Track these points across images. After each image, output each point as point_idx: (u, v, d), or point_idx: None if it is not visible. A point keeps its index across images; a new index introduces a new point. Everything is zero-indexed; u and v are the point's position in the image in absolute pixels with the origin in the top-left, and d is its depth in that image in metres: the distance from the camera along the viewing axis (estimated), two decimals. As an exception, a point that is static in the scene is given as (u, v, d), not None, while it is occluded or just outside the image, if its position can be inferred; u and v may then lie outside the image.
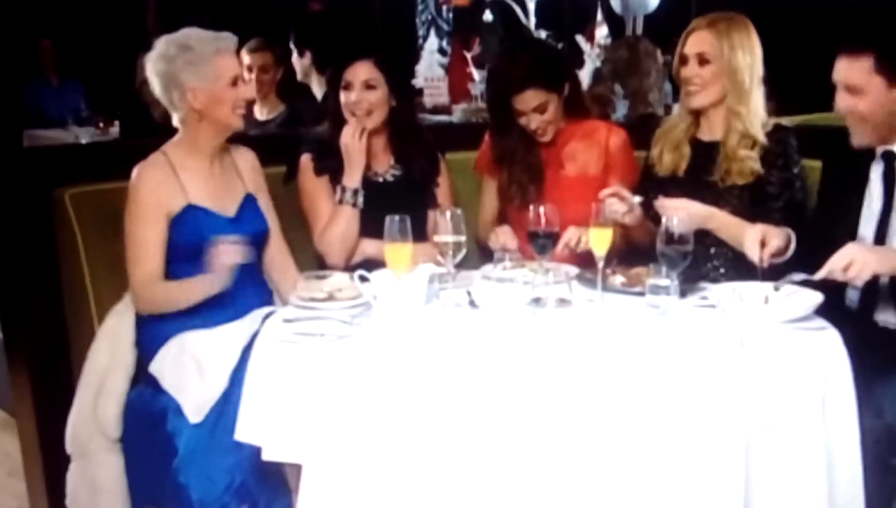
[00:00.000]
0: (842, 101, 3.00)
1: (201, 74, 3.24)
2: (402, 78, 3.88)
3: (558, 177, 3.82)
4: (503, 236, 3.57)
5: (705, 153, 3.53)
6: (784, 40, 3.62)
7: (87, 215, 3.47)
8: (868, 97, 2.94)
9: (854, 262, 2.71)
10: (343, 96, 3.67)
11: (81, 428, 3.25)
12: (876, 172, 3.09)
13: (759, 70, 3.46)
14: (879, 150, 3.07)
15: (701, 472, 2.26)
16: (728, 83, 3.43)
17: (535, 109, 3.68)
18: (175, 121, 3.34)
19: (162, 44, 3.29)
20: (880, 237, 3.05)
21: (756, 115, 3.44)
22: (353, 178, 3.57)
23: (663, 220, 2.86)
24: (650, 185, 3.58)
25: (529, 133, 3.76)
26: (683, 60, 3.52)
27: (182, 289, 3.22)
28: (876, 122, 2.98)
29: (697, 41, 3.48)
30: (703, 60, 3.45)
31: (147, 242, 3.20)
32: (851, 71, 2.95)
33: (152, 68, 3.29)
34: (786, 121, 3.55)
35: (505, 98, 3.71)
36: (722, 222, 3.37)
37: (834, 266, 2.74)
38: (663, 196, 3.39)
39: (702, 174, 3.50)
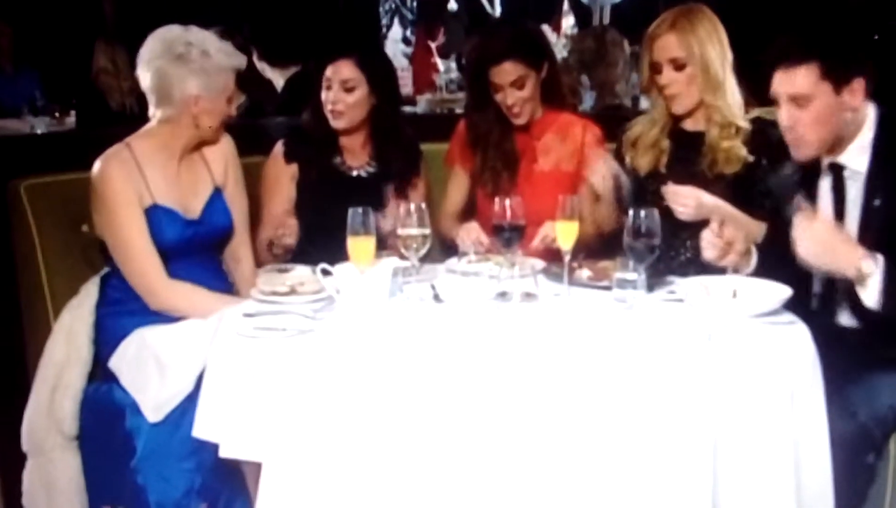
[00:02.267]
0: (786, 114, 2.94)
1: (212, 84, 3.24)
2: (385, 77, 3.83)
3: (531, 170, 3.84)
4: (475, 233, 3.56)
5: (689, 143, 3.53)
6: (749, 30, 3.63)
7: (42, 206, 3.44)
8: (815, 105, 2.89)
9: (809, 225, 2.73)
10: (323, 93, 3.68)
11: (37, 425, 3.22)
12: (825, 185, 3.07)
13: (728, 56, 3.47)
14: (826, 161, 3.04)
15: (668, 470, 2.26)
16: (702, 80, 3.44)
17: (513, 83, 3.70)
18: (156, 114, 3.28)
19: (178, 41, 3.23)
20: None
21: (733, 102, 3.46)
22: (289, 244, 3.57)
23: (630, 212, 2.87)
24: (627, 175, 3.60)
25: (505, 112, 3.78)
26: (657, 69, 3.49)
27: (208, 298, 3.21)
28: (823, 133, 2.93)
29: (666, 47, 3.46)
30: (678, 66, 3.44)
31: (140, 238, 3.18)
32: (796, 80, 2.89)
33: (158, 61, 3.21)
34: (763, 113, 3.56)
35: (483, 70, 3.72)
36: (727, 213, 3.37)
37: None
38: (642, 192, 3.42)
39: (686, 165, 3.50)
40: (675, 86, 3.47)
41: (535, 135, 3.87)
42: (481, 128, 3.87)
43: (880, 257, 2.73)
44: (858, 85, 2.90)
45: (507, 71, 3.68)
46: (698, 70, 3.42)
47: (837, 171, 3.03)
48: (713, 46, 3.42)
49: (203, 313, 3.10)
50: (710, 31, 3.44)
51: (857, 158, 2.98)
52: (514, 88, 3.71)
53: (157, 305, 3.19)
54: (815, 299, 3.10)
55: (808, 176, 3.10)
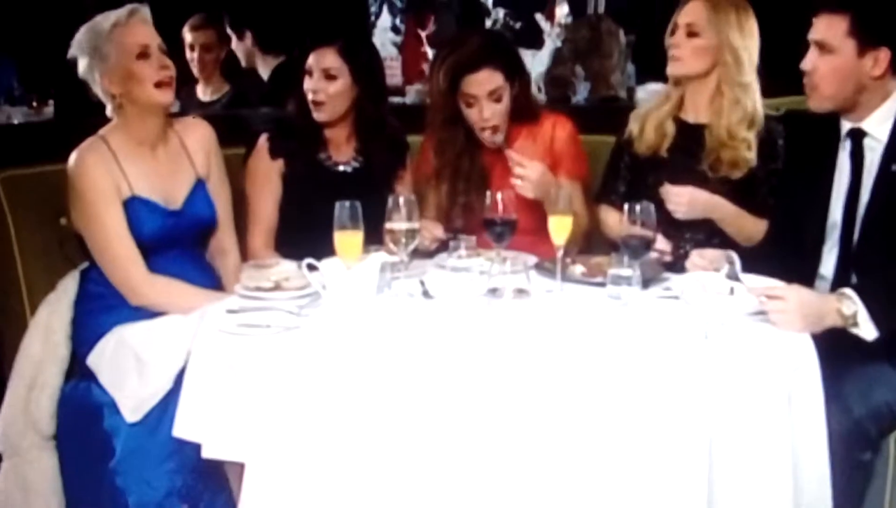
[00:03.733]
0: (808, 59, 3.07)
1: (104, 55, 3.19)
2: (369, 67, 3.75)
3: (504, 185, 3.75)
4: (433, 228, 3.53)
5: (691, 136, 3.55)
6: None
7: (19, 199, 3.44)
8: (835, 59, 3.02)
9: (783, 304, 2.73)
10: (305, 82, 3.66)
11: (13, 425, 3.20)
12: (844, 152, 3.15)
13: (755, 56, 3.49)
14: (846, 127, 3.12)
15: (663, 470, 2.26)
16: (730, 60, 3.45)
17: (490, 93, 3.61)
18: (108, 110, 3.29)
19: (81, 34, 3.25)
20: (849, 218, 3.11)
21: (753, 103, 3.47)
22: None
23: (625, 207, 2.87)
24: (627, 164, 3.63)
25: (478, 132, 3.69)
26: (673, 29, 3.53)
27: (188, 293, 3.21)
28: (836, 89, 3.04)
29: (690, 10, 3.50)
30: (691, 32, 3.47)
31: (119, 233, 3.17)
32: (827, 28, 3.02)
33: (79, 61, 3.26)
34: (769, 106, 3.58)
35: (456, 82, 3.62)
36: (727, 212, 3.40)
37: (766, 293, 2.77)
38: (642, 177, 3.43)
39: (687, 158, 3.52)
40: (678, 49, 3.51)
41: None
42: (448, 154, 3.80)
43: (850, 292, 2.81)
44: (884, 56, 3.01)
45: (483, 80, 3.58)
46: (716, 49, 3.45)
47: (858, 138, 3.11)
48: (741, 36, 3.45)
49: (184, 308, 3.09)
50: (742, 21, 3.47)
51: (879, 125, 3.09)
52: (490, 99, 3.61)
53: (137, 301, 3.19)
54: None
55: (828, 145, 3.17)
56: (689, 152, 3.54)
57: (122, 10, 3.25)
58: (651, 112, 3.63)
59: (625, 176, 3.67)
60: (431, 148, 3.86)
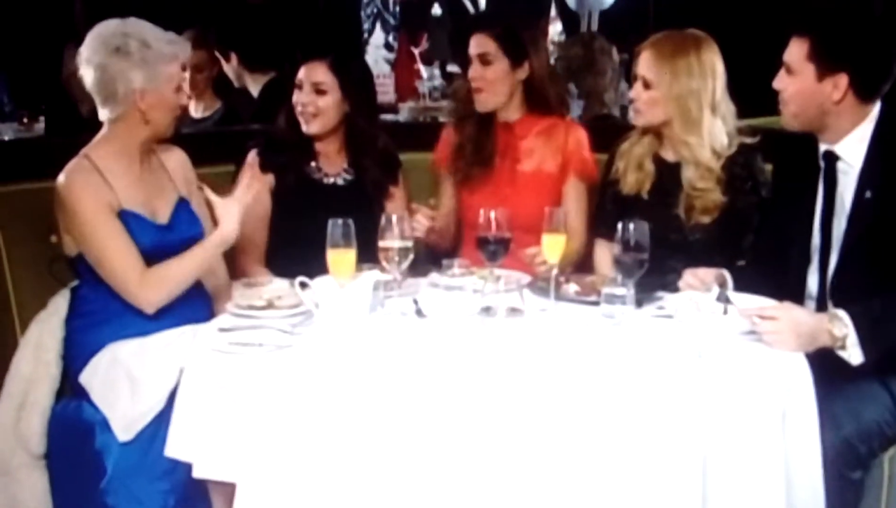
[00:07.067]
0: (777, 78, 3.10)
1: (154, 75, 3.17)
2: (360, 83, 3.82)
3: (514, 170, 3.85)
4: (423, 217, 3.55)
5: (669, 174, 3.51)
6: (739, 42, 3.65)
7: (9, 216, 3.44)
8: (797, 81, 3.04)
9: (776, 324, 2.75)
10: (294, 95, 3.68)
11: (3, 444, 3.19)
12: (821, 174, 3.15)
13: (713, 93, 3.43)
14: (821, 149, 3.13)
15: (657, 488, 2.26)
16: (673, 110, 3.43)
17: (479, 56, 3.78)
18: (104, 116, 3.25)
19: (115, 34, 3.18)
20: (825, 240, 3.11)
21: (708, 143, 3.42)
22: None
23: (619, 226, 2.88)
24: (612, 203, 3.62)
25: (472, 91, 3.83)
26: (634, 79, 3.55)
27: (182, 265, 3.20)
28: (800, 109, 3.06)
29: (643, 62, 3.49)
30: (645, 84, 3.46)
31: (119, 245, 3.14)
32: (792, 51, 3.05)
33: (97, 57, 3.17)
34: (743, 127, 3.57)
35: (465, 43, 3.83)
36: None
37: (759, 314, 2.79)
38: (625, 217, 3.43)
39: (667, 200, 3.49)
40: (638, 102, 3.51)
41: (518, 135, 3.90)
42: (462, 134, 3.92)
43: (843, 313, 2.82)
44: (843, 82, 3.00)
45: (476, 42, 3.79)
46: (667, 98, 3.42)
47: (831, 161, 3.11)
48: (689, 79, 3.40)
49: (189, 279, 3.18)
50: (692, 64, 3.41)
51: (853, 148, 3.08)
52: (479, 62, 3.78)
53: (152, 307, 3.15)
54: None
55: (811, 166, 3.17)
56: (668, 193, 3.50)
57: (182, 44, 3.30)
58: (632, 149, 3.61)
59: (612, 212, 3.63)
60: (451, 131, 4.02)
